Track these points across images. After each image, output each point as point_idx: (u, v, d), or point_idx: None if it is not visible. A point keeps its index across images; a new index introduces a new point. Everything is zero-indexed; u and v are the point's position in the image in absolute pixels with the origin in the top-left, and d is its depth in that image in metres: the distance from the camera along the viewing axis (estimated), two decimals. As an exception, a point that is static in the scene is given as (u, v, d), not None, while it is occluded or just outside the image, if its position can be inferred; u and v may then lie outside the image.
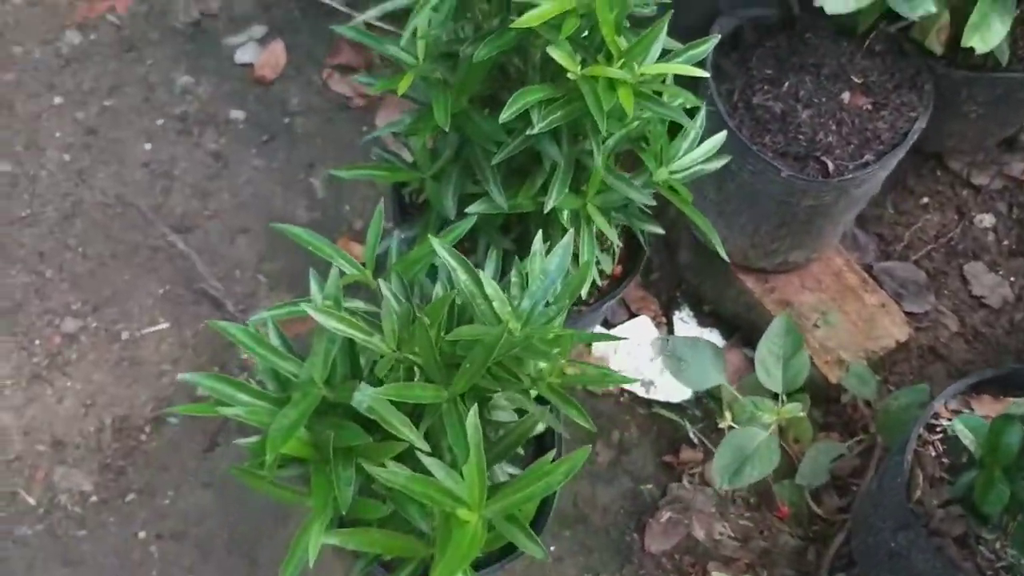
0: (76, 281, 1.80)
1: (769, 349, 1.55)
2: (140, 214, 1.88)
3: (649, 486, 1.71)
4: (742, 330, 1.82)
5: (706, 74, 1.15)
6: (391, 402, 0.99)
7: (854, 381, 1.66)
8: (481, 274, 1.00)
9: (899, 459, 1.40)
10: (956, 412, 1.44)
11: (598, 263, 1.54)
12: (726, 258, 1.34)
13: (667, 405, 1.76)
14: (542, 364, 1.10)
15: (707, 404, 1.77)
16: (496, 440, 1.14)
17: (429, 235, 1.01)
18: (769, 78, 1.58)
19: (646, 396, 1.78)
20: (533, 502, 1.14)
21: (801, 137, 1.53)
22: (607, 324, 1.85)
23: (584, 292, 1.24)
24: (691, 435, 1.73)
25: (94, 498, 1.64)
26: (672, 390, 1.78)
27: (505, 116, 1.07)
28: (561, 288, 1.08)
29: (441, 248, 1.01)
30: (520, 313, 1.01)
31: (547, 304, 1.05)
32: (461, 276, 1.00)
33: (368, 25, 2.09)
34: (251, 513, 1.63)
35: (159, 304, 1.80)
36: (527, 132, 1.09)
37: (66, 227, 1.85)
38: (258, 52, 2.09)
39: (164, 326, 1.79)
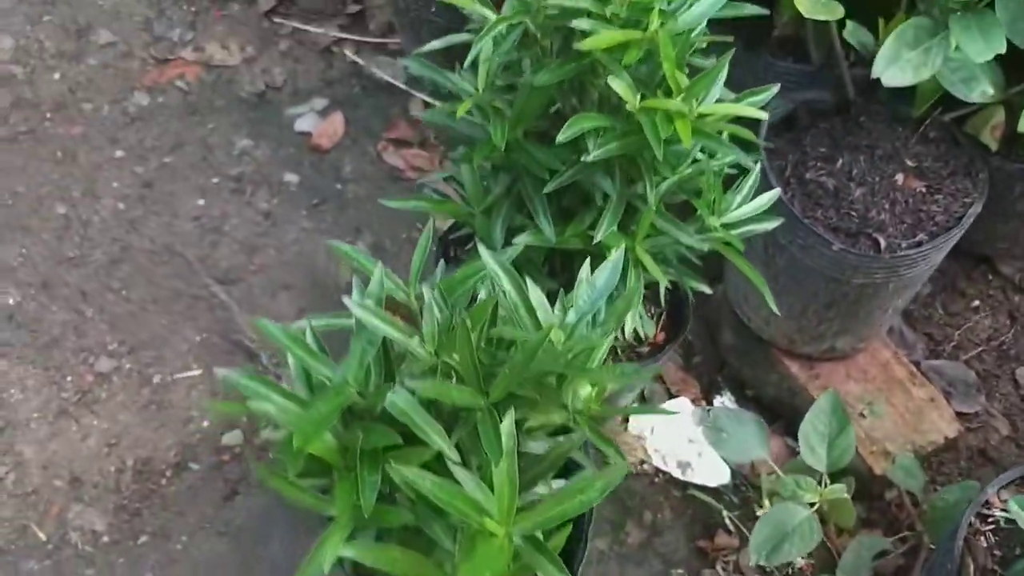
0: (115, 322, 1.80)
1: (814, 426, 1.49)
2: (186, 263, 1.89)
3: (680, 571, 1.63)
4: (784, 417, 1.76)
5: (764, 116, 1.15)
6: (425, 409, 0.96)
7: (900, 474, 1.59)
8: (526, 282, 0.98)
9: (949, 546, 1.32)
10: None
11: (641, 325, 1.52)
12: (776, 310, 1.30)
13: (704, 489, 1.69)
14: (582, 391, 1.06)
15: (745, 491, 1.70)
16: (529, 465, 1.09)
17: (479, 248, 1.00)
18: (823, 156, 1.58)
19: (682, 478, 1.71)
20: (563, 532, 1.08)
21: (853, 214, 1.52)
22: (644, 401, 1.80)
23: (628, 329, 1.20)
24: (727, 521, 1.66)
25: (105, 538, 1.59)
26: (709, 473, 1.72)
27: (562, 137, 1.07)
28: (607, 313, 1.05)
29: (487, 255, 1.00)
30: (565, 327, 0.99)
31: (592, 324, 1.03)
32: (505, 284, 0.98)
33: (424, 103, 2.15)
34: (264, 567, 1.57)
35: (194, 351, 1.79)
36: (582, 159, 1.09)
37: (112, 270, 1.86)
38: (317, 122, 2.14)
39: (196, 372, 1.77)
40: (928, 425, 1.69)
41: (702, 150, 1.27)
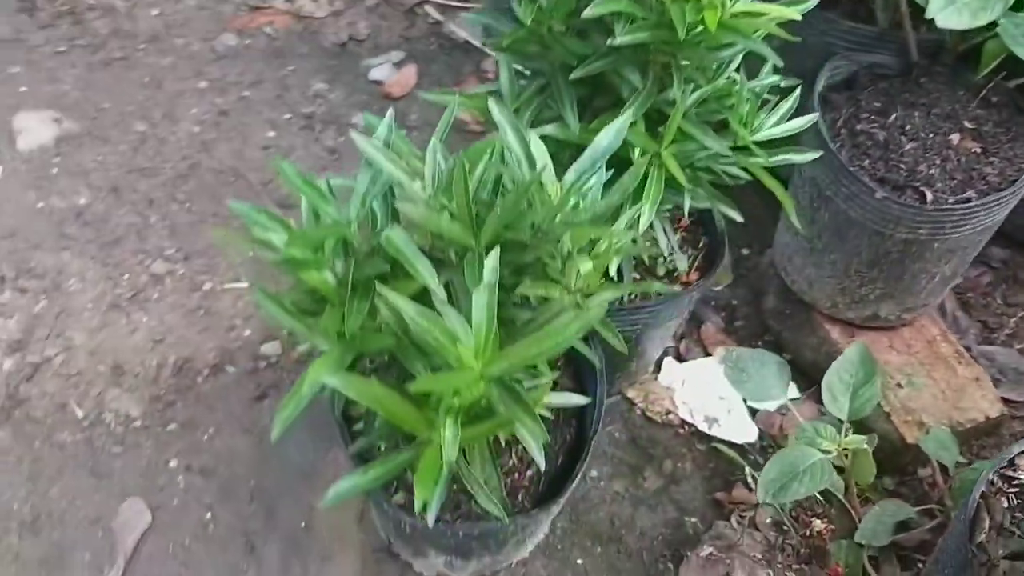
0: (175, 230, 1.88)
1: (839, 376, 1.45)
2: (249, 185, 1.96)
3: (694, 519, 1.60)
4: (819, 383, 1.71)
5: (797, 16, 1.15)
6: (420, 250, 0.98)
7: (933, 445, 1.53)
8: (531, 135, 1.00)
9: (966, 500, 1.27)
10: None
11: (671, 259, 1.52)
12: (799, 228, 1.28)
13: (728, 444, 1.66)
14: (583, 267, 1.06)
15: (771, 451, 1.66)
16: (519, 331, 1.09)
17: (489, 101, 1.02)
18: (877, 110, 1.56)
19: (708, 432, 1.69)
20: (543, 390, 1.07)
21: (902, 166, 1.49)
22: (679, 358, 1.78)
23: (642, 225, 1.19)
24: (748, 477, 1.62)
25: (137, 423, 1.65)
26: (735, 430, 1.68)
27: (589, 12, 1.08)
28: (614, 188, 1.06)
29: (495, 107, 1.02)
30: (564, 183, 1.00)
31: (590, 195, 1.03)
32: (509, 134, 1.00)
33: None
34: (281, 468, 1.60)
35: (245, 264, 1.85)
36: (608, 43, 1.11)
37: (179, 183, 1.94)
38: (391, 72, 2.21)
39: (244, 285, 1.83)
40: (969, 403, 1.62)
41: (737, 70, 1.28)
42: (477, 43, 2.25)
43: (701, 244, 1.58)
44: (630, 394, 1.73)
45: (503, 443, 1.33)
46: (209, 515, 1.56)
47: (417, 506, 0.93)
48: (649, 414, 1.71)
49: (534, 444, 1.04)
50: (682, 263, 1.51)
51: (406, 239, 0.96)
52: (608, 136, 1.00)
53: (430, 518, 1.14)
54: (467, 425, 1.03)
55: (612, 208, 1.02)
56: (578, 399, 1.35)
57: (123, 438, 1.63)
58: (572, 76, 1.15)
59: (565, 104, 1.20)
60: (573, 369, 1.46)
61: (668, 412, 1.71)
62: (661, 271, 1.52)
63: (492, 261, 0.90)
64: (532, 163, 1.00)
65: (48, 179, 1.91)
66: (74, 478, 1.58)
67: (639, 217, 1.16)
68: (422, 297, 0.96)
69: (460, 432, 0.93)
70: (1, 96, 2.04)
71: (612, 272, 1.25)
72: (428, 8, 2.36)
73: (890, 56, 1.63)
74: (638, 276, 1.51)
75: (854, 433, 1.46)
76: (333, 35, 2.31)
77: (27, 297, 1.77)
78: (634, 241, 1.13)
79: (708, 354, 1.79)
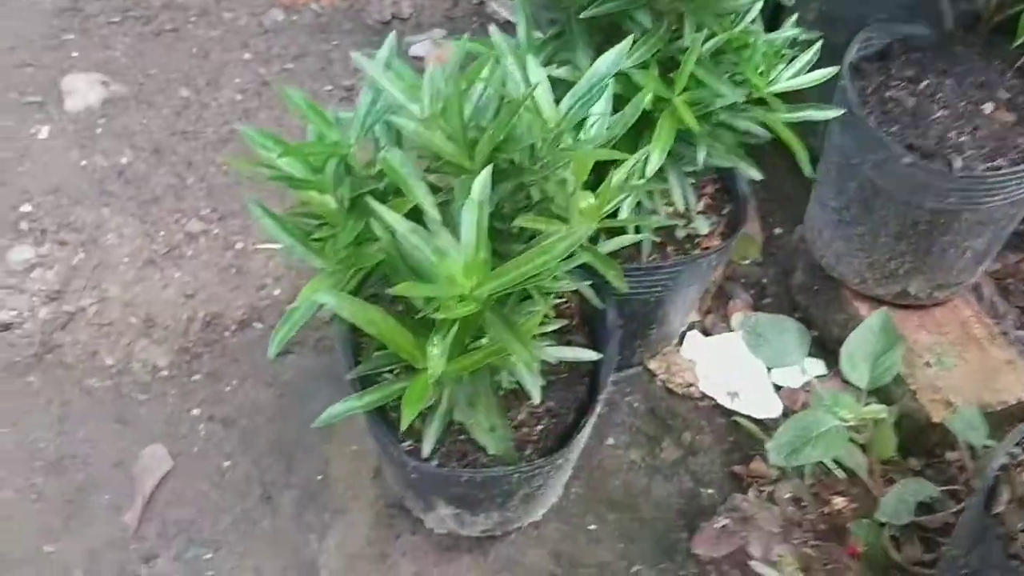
0: (212, 192, 1.92)
1: (859, 344, 1.43)
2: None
3: (711, 491, 1.58)
4: (846, 360, 1.68)
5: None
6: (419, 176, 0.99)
7: (960, 424, 1.49)
8: (529, 59, 1.00)
9: (986, 472, 1.23)
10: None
11: (691, 221, 1.51)
12: (810, 173, 1.26)
13: (749, 419, 1.64)
14: (583, 202, 1.06)
15: (793, 427, 1.63)
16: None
17: (491, 27, 1.02)
18: (908, 77, 1.53)
19: (729, 406, 1.67)
20: (533, 320, 1.06)
21: (931, 133, 1.46)
22: (705, 332, 1.76)
23: (653, 166, 1.18)
24: (767, 451, 1.59)
25: (164, 372, 1.68)
26: (757, 405, 1.66)
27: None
28: (614, 120, 1.06)
29: (497, 34, 1.03)
30: (560, 109, 1.00)
31: (594, 129, 1.03)
32: (509, 58, 1.00)
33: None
34: (301, 422, 1.61)
35: (278, 226, 1.88)
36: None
37: (218, 147, 1.99)
38: (431, 49, 2.23)
39: (276, 246, 1.86)
40: (1002, 385, 1.58)
41: (754, 22, 1.26)
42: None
43: (725, 211, 1.56)
44: (651, 365, 1.71)
45: (511, 391, 1.33)
46: (228, 463, 1.59)
47: (403, 423, 0.93)
48: (670, 386, 1.70)
49: (526, 373, 1.04)
50: (703, 226, 1.50)
51: (403, 159, 0.97)
52: (606, 61, 1.00)
53: (426, 445, 1.14)
54: (461, 355, 1.03)
55: (613, 139, 1.01)
56: (589, 354, 1.34)
57: (149, 386, 1.66)
58: (583, 15, 1.15)
59: (577, 48, 1.20)
60: (588, 329, 1.46)
61: (689, 384, 1.69)
62: (681, 234, 1.51)
63: (483, 178, 0.91)
64: (529, 82, 1.00)
65: (92, 139, 1.97)
66: (100, 423, 1.61)
67: (647, 161, 1.16)
68: (417, 218, 0.97)
69: (448, 351, 0.93)
70: (53, 60, 2.11)
71: (624, 218, 1.24)
72: (472, -13, 2.38)
73: (925, 27, 1.60)
74: (658, 239, 1.50)
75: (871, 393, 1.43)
76: (377, 13, 2.34)
77: (66, 249, 1.82)
78: (642, 180, 1.12)
79: (734, 330, 1.76)
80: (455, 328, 0.94)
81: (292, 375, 1.69)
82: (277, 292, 1.81)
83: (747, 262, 1.84)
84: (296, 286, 1.81)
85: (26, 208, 1.86)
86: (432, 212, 0.95)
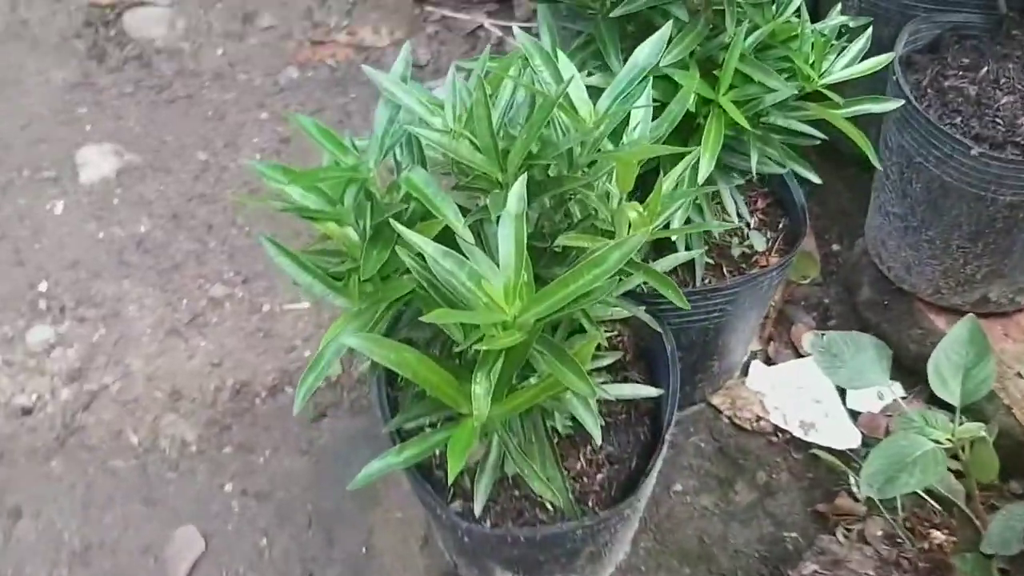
0: (234, 254, 1.83)
1: (947, 356, 1.28)
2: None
3: (794, 534, 1.43)
4: (927, 381, 1.53)
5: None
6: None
7: (1065, 438, 1.34)
8: (560, 56, 0.90)
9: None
10: None
11: (746, 238, 1.39)
12: (876, 163, 1.13)
13: (828, 451, 1.49)
14: (631, 213, 0.95)
15: (877, 456, 1.48)
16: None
17: (515, 27, 0.93)
18: (965, 66, 1.41)
19: (804, 439, 1.52)
20: (590, 344, 0.94)
21: (999, 122, 1.33)
22: (769, 361, 1.63)
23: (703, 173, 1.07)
24: (854, 486, 1.45)
25: (193, 447, 1.58)
26: (836, 435, 1.52)
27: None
28: (664, 121, 0.95)
29: (521, 34, 0.93)
30: (599, 108, 0.89)
31: (638, 130, 0.92)
32: (536, 60, 0.90)
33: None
34: (340, 491, 1.50)
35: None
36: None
37: (239, 208, 1.91)
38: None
39: (305, 306, 1.77)
40: (1105, 393, 1.43)
41: (797, 12, 1.16)
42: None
43: (780, 226, 1.44)
44: (715, 401, 1.58)
45: (565, 438, 1.20)
46: (265, 541, 1.47)
47: (450, 477, 0.81)
48: (737, 421, 1.56)
49: (584, 410, 0.92)
50: (759, 242, 1.38)
51: (427, 178, 0.86)
52: (645, 52, 0.90)
53: (477, 503, 1.02)
54: (509, 395, 0.92)
55: (659, 140, 0.90)
56: (648, 390, 1.22)
57: (177, 464, 1.56)
58: (614, 13, 1.06)
59: (609, 51, 1.10)
60: (645, 363, 1.34)
61: (758, 418, 1.56)
62: (736, 252, 1.39)
63: (519, 188, 0.80)
64: (559, 79, 0.90)
65: (109, 210, 1.90)
66: (126, 506, 1.51)
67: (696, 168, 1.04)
68: (448, 244, 0.86)
69: (494, 389, 0.81)
70: (66, 134, 2.05)
71: (678, 227, 1.13)
72: (488, 27, 2.31)
73: (975, 13, 1.49)
74: (711, 261, 1.38)
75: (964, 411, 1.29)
76: (393, 64, 2.27)
77: (86, 326, 1.73)
78: (691, 188, 1.01)
79: (800, 356, 1.63)
80: (500, 362, 0.82)
81: (328, 440, 1.58)
82: (307, 353, 1.70)
83: (806, 282, 1.71)
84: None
85: (43, 286, 1.79)
86: (464, 233, 0.85)
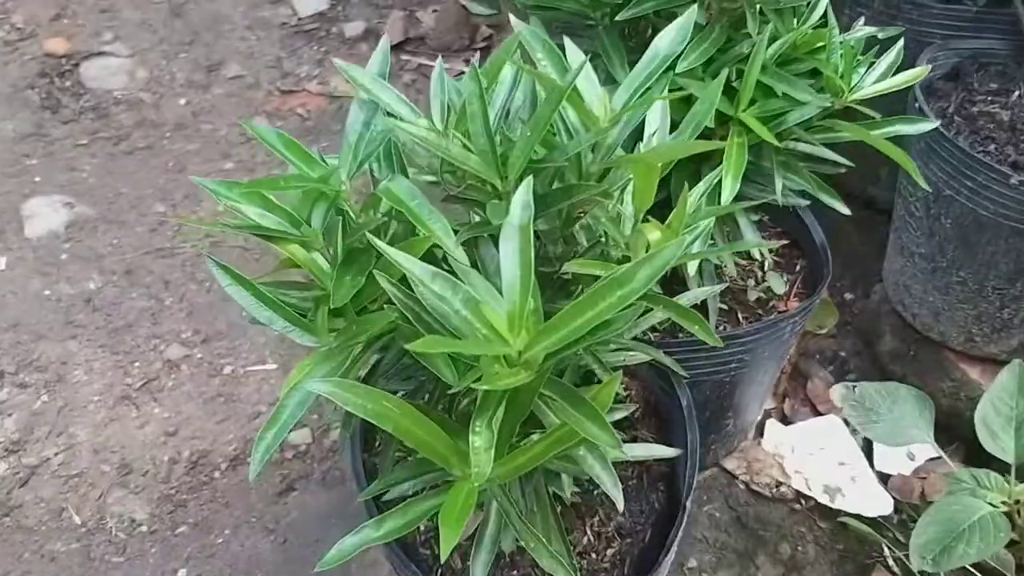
0: (193, 312, 1.67)
1: (995, 407, 1.14)
2: (276, 262, 1.76)
3: (825, 614, 1.26)
4: (962, 439, 1.39)
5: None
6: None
7: None
8: (567, 41, 0.77)
9: None
10: None
11: (763, 280, 1.25)
12: (924, 185, 1.00)
13: (859, 518, 1.34)
14: (651, 236, 0.80)
15: (911, 524, 1.32)
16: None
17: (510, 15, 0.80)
18: (993, 91, 1.30)
19: (831, 506, 1.37)
20: (610, 386, 0.78)
21: (1038, 147, 1.22)
22: (785, 420, 1.48)
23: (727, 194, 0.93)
24: (888, 558, 1.29)
25: (143, 527, 1.39)
26: (866, 501, 1.36)
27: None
28: (688, 127, 0.81)
29: (518, 23, 0.80)
30: (614, 103, 0.75)
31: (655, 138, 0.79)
32: (539, 55, 0.77)
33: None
34: (308, 570, 1.32)
35: (271, 344, 1.63)
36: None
37: (198, 263, 1.75)
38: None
39: (271, 367, 1.60)
40: None
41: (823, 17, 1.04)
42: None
43: (798, 268, 1.31)
44: (729, 465, 1.42)
45: (570, 507, 1.04)
46: (223, 634, 1.28)
47: (443, 553, 0.65)
48: (755, 487, 1.40)
49: (600, 467, 0.76)
50: (778, 284, 1.24)
51: (411, 189, 0.72)
52: (667, 39, 0.76)
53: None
54: (512, 453, 0.76)
55: (685, 152, 0.77)
56: (664, 450, 1.06)
57: (125, 546, 1.37)
58: (619, 16, 0.93)
59: (614, 63, 0.97)
60: (657, 422, 1.18)
61: (778, 484, 1.40)
62: (753, 297, 1.25)
63: (524, 194, 0.65)
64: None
65: (57, 265, 1.74)
66: (64, 595, 1.32)
67: (720, 187, 0.91)
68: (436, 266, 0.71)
69: (496, 442, 0.65)
70: (13, 186, 1.89)
71: (692, 272, 0.99)
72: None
73: (995, 39, 1.39)
74: (724, 306, 1.24)
75: (1021, 482, 1.14)
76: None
77: (28, 392, 1.56)
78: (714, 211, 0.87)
79: (819, 413, 1.48)
80: (502, 408, 0.67)
81: (296, 517, 1.40)
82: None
83: (823, 332, 1.57)
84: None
85: (-20, 350, 1.61)
86: (457, 252, 0.70)
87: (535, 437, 0.81)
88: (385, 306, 0.72)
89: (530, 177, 0.67)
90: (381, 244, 0.66)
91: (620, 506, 0.77)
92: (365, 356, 0.77)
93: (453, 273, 0.68)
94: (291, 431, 1.49)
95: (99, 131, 2.07)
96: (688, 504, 1.02)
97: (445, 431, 0.74)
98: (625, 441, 1.10)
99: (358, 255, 0.73)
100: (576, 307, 0.64)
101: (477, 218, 0.78)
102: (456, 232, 0.73)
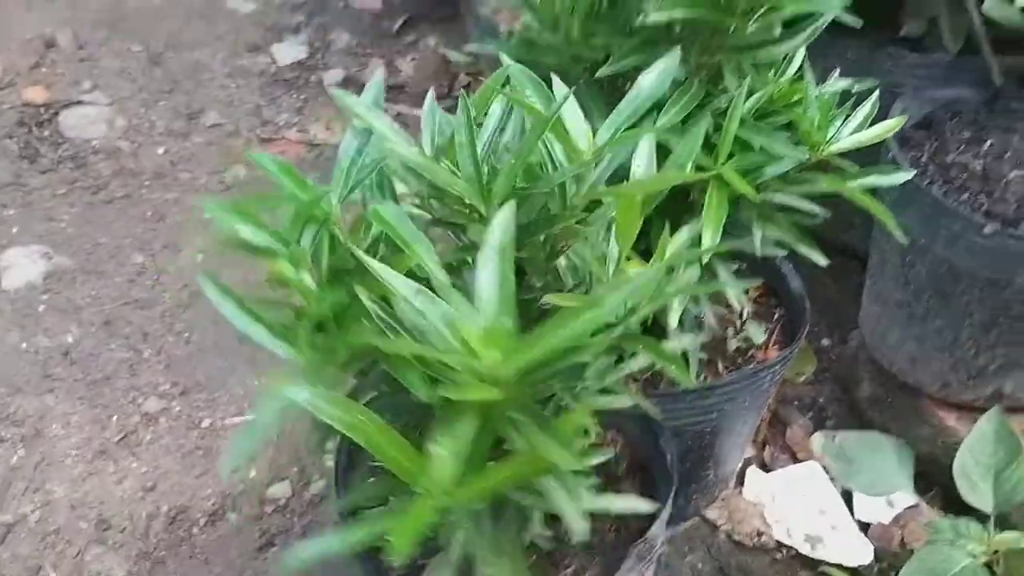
0: (171, 364, 1.66)
1: (974, 457, 1.15)
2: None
3: (810, 667, 1.26)
4: (940, 484, 1.40)
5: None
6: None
7: (1106, 545, 1.20)
8: (553, 76, 0.79)
9: None
10: None
11: (741, 330, 1.26)
12: (902, 239, 1.01)
13: (839, 568, 1.34)
14: (636, 269, 0.81)
15: (892, 573, 1.33)
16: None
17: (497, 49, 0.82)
18: (967, 140, 1.32)
19: (811, 555, 1.37)
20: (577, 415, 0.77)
21: (1010, 197, 1.24)
22: (764, 467, 1.48)
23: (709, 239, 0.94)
24: (871, 607, 1.29)
25: (120, 585, 1.38)
26: (846, 550, 1.36)
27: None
28: (671, 165, 0.83)
29: (504, 55, 0.82)
30: (599, 138, 0.77)
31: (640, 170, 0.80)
32: (528, 91, 0.79)
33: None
34: (292, 629, 1.31)
35: (251, 396, 1.62)
36: (639, 20, 0.90)
37: (177, 314, 1.74)
38: (411, 188, 2.04)
39: (250, 419, 1.59)
40: None
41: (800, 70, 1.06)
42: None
43: (776, 316, 1.32)
44: (710, 515, 1.42)
45: (544, 555, 1.04)
46: None
47: (395, 559, 0.64)
48: (736, 537, 1.40)
49: (565, 499, 0.75)
50: (757, 334, 1.25)
51: (400, 213, 0.73)
52: (650, 78, 0.78)
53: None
54: (478, 475, 0.75)
55: (667, 184, 0.78)
56: (644, 504, 1.06)
57: (101, 605, 1.35)
58: (600, 73, 0.94)
59: (593, 114, 0.98)
60: (640, 478, 1.18)
61: (760, 533, 1.40)
62: (732, 346, 1.25)
63: (505, 216, 0.66)
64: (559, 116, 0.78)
65: (34, 317, 1.73)
66: (39, 657, 1.30)
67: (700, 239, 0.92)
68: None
69: (460, 458, 0.65)
70: (-11, 238, 1.89)
71: (673, 323, 1.00)
72: (448, 122, 2.21)
73: (967, 87, 1.42)
74: (704, 356, 1.25)
75: (1000, 531, 1.14)
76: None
77: (4, 447, 1.54)
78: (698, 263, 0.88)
79: (798, 460, 1.49)
80: (470, 424, 0.67)
81: (276, 573, 1.38)
82: (252, 474, 1.52)
83: (801, 379, 1.58)
84: (274, 465, 1.53)
85: (-45, 405, 1.60)
86: (438, 273, 0.71)
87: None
88: (363, 320, 0.72)
89: (512, 201, 0.67)
90: (365, 257, 0.68)
91: (580, 532, 0.75)
92: (344, 375, 0.78)
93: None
94: (271, 484, 1.48)
95: (77, 180, 2.07)
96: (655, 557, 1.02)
97: (415, 448, 0.74)
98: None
99: (343, 275, 0.74)
100: (552, 324, 0.64)
101: (461, 244, 0.79)
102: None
